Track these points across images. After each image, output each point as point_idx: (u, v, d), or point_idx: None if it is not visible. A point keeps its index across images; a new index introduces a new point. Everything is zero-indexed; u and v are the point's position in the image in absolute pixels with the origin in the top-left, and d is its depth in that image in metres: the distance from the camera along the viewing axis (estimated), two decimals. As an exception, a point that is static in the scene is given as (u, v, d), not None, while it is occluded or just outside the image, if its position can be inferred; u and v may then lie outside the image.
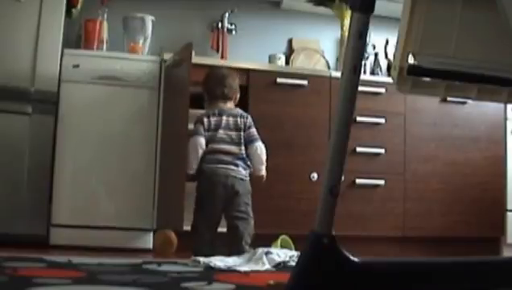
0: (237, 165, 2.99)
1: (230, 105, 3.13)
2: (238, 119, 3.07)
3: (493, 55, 1.42)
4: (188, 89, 3.02)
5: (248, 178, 3.04)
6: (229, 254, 2.71)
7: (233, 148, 3.02)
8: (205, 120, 3.04)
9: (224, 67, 3.35)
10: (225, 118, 3.05)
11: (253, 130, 3.08)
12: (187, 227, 2.96)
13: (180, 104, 3.08)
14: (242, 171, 3.01)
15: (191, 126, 3.04)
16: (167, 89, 3.36)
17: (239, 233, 2.92)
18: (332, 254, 1.29)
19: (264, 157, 3.08)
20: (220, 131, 3.02)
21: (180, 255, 2.86)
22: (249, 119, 3.10)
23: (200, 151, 2.99)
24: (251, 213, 2.98)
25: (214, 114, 3.06)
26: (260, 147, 3.07)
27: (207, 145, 3.01)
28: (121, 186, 3.28)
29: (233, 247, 2.85)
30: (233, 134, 3.04)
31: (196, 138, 3.00)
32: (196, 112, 3.28)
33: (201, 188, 3.01)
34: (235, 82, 3.18)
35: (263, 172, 3.08)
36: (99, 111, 3.30)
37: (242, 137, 3.05)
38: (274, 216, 3.42)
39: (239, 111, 3.12)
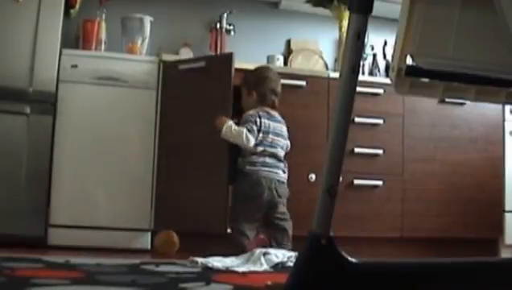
0: (278, 168, 3.10)
1: (274, 111, 3.20)
2: (283, 127, 3.18)
3: (491, 56, 1.42)
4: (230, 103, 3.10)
5: (286, 180, 3.15)
6: None
7: (279, 152, 3.12)
8: (258, 120, 3.08)
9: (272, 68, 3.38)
10: (273, 123, 3.13)
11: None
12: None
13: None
14: (282, 174, 3.12)
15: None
16: (165, 90, 3.36)
17: (287, 233, 3.05)
18: (330, 255, 1.29)
19: None
20: (270, 136, 3.09)
21: (181, 256, 2.86)
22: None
23: (244, 147, 3.04)
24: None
25: (264, 117, 3.12)
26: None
27: (255, 146, 3.06)
28: (119, 186, 3.28)
29: (283, 246, 2.97)
30: (280, 140, 3.14)
31: (249, 136, 3.02)
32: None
33: (244, 190, 3.05)
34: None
35: None
36: (97, 111, 3.29)
37: (285, 145, 3.18)
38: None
39: (280, 118, 3.20)
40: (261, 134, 3.07)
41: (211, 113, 3.14)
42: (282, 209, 3.10)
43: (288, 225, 3.08)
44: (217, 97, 3.20)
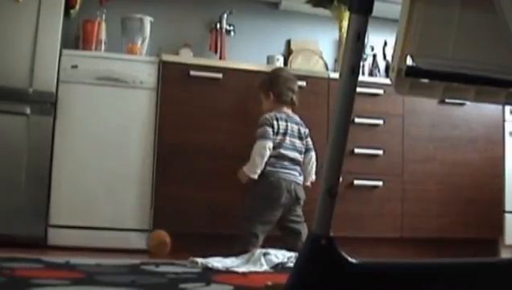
0: (296, 170, 3.10)
1: (291, 111, 3.21)
2: (301, 128, 3.18)
3: (491, 56, 1.42)
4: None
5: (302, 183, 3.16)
6: None
7: (296, 155, 3.12)
8: (275, 123, 3.10)
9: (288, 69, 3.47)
10: (290, 124, 3.14)
11: (310, 140, 3.22)
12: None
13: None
14: (299, 177, 3.12)
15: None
16: (166, 90, 3.36)
17: (300, 237, 3.01)
18: (330, 256, 1.29)
19: (314, 168, 3.20)
20: (287, 138, 3.10)
21: (175, 256, 2.86)
22: (307, 129, 3.21)
23: (267, 156, 3.04)
24: None
25: (282, 119, 3.14)
26: (314, 158, 3.21)
27: (273, 149, 3.07)
28: (119, 187, 3.28)
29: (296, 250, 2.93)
30: (297, 141, 3.14)
31: (265, 141, 3.05)
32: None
33: (263, 191, 3.05)
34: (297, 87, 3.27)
35: (309, 183, 3.19)
36: (97, 112, 3.29)
37: (303, 145, 3.16)
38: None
39: (299, 119, 3.21)
40: (279, 137, 3.09)
41: (221, 123, 3.33)
42: (299, 211, 3.08)
43: (303, 228, 3.04)
44: (231, 108, 3.36)
